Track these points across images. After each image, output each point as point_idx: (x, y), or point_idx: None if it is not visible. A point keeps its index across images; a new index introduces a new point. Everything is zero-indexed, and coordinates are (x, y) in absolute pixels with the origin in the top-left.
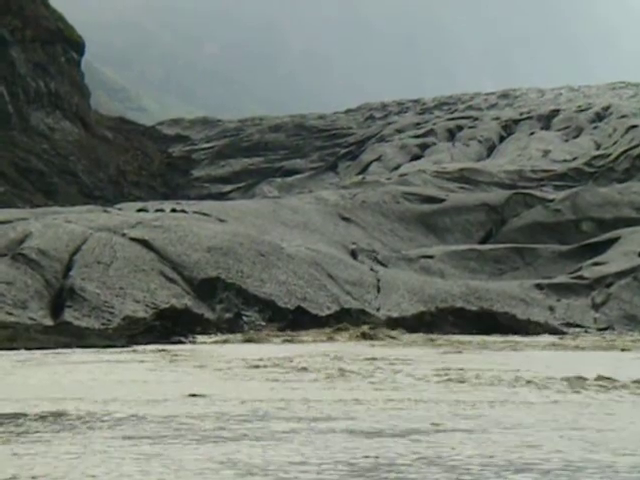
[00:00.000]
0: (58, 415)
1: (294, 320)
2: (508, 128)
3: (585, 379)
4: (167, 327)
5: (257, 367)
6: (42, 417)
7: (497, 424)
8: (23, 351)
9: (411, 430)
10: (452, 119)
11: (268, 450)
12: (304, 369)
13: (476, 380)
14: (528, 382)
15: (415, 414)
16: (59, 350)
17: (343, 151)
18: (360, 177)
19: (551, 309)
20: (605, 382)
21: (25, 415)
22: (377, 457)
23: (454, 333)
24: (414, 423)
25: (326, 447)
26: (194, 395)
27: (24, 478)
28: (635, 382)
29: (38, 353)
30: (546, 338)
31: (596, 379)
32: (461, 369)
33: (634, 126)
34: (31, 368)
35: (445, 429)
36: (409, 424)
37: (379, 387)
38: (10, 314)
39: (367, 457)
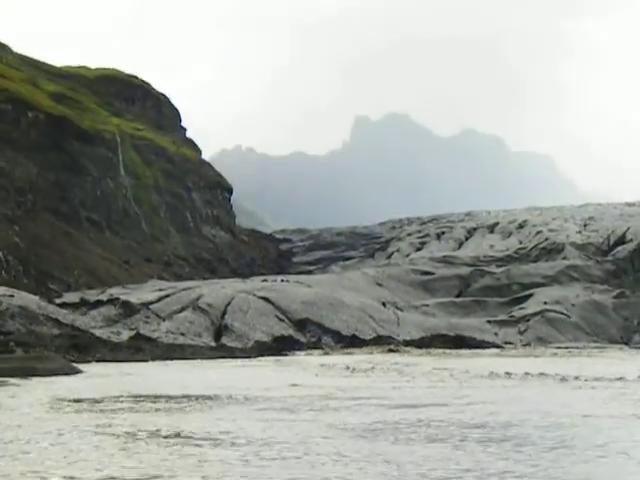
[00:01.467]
0: (216, 397)
1: (350, 342)
2: (470, 232)
3: (515, 373)
4: (279, 346)
5: (329, 368)
6: (206, 397)
7: (468, 399)
8: (198, 361)
9: (417, 404)
10: (439, 227)
11: (338, 415)
12: (355, 369)
13: (457, 374)
14: (485, 375)
15: (419, 393)
16: (219, 360)
17: (377, 246)
18: (387, 261)
19: (496, 334)
20: (525, 375)
21: (197, 396)
22: (389, 422)
23: (442, 348)
24: (419, 400)
25: (367, 414)
26: (295, 384)
27: (186, 431)
28: (541, 374)
29: (207, 362)
30: (493, 351)
31: (523, 374)
32: (446, 368)
33: (539, 231)
34: (203, 370)
35: (437, 403)
36: (418, 400)
37: (399, 377)
38: (192, 340)
39: (384, 421)
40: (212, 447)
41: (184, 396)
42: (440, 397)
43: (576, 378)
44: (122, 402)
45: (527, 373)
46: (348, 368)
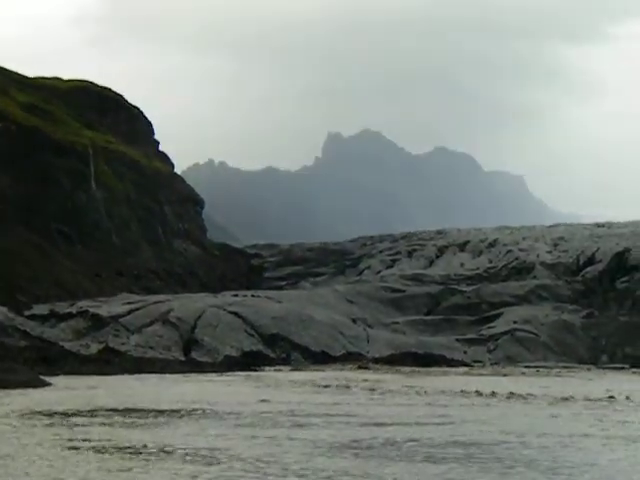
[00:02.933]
0: (186, 411)
1: (320, 358)
2: (440, 251)
3: (484, 392)
4: (249, 362)
5: (299, 384)
6: (176, 412)
7: (439, 418)
8: (168, 375)
9: (387, 422)
10: (410, 245)
11: (309, 432)
12: (325, 385)
13: (427, 392)
14: (454, 393)
15: (389, 411)
16: (188, 375)
17: (348, 263)
18: (358, 278)
19: (465, 352)
20: (492, 394)
21: (167, 410)
22: (356, 440)
23: (411, 366)
24: (390, 418)
25: (338, 430)
26: (264, 400)
27: (157, 446)
28: (511, 393)
29: (176, 376)
30: (462, 369)
31: (489, 393)
32: (416, 386)
33: (510, 251)
34: (173, 384)
35: (408, 422)
36: (389, 419)
37: (369, 395)
38: (161, 354)
39: (355, 440)
40: (185, 463)
41: (155, 411)
42: (411, 415)
43: (543, 397)
44: (94, 416)
45: (495, 392)
46: (317, 384)
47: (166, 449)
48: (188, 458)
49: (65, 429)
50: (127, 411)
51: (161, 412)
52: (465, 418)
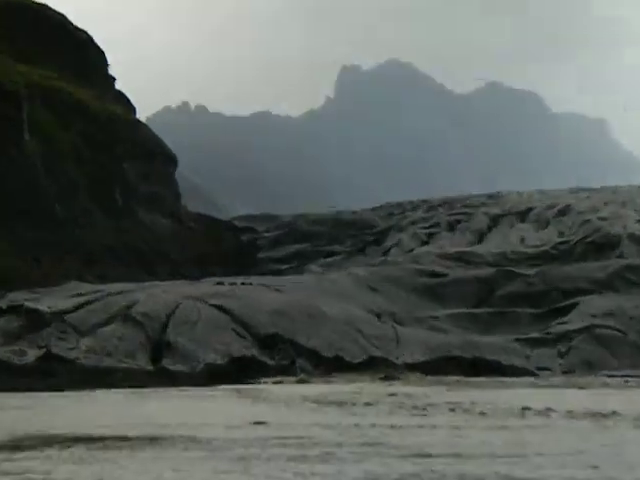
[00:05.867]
0: (158, 439)
1: (333, 366)
2: (494, 221)
3: (557, 410)
4: (238, 371)
5: (305, 400)
6: (146, 438)
7: (503, 448)
8: (132, 390)
9: (431, 453)
10: (452, 214)
11: (323, 468)
12: (341, 402)
13: (480, 411)
14: (515, 412)
15: (432, 438)
16: (159, 390)
17: (370, 239)
18: (382, 258)
19: (527, 357)
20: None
21: (134, 437)
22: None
23: (455, 375)
24: (433, 447)
25: (360, 464)
26: (260, 422)
27: None
28: (588, 413)
29: (143, 392)
30: (524, 379)
31: (565, 411)
32: (459, 402)
33: (587, 220)
34: (139, 402)
35: (459, 453)
36: (432, 448)
37: (401, 415)
38: (122, 361)
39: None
40: None
41: (111, 438)
42: (464, 443)
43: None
44: (36, 447)
45: (571, 412)
46: (331, 401)
47: None
48: None
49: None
50: (82, 439)
51: (121, 439)
52: (543, 448)
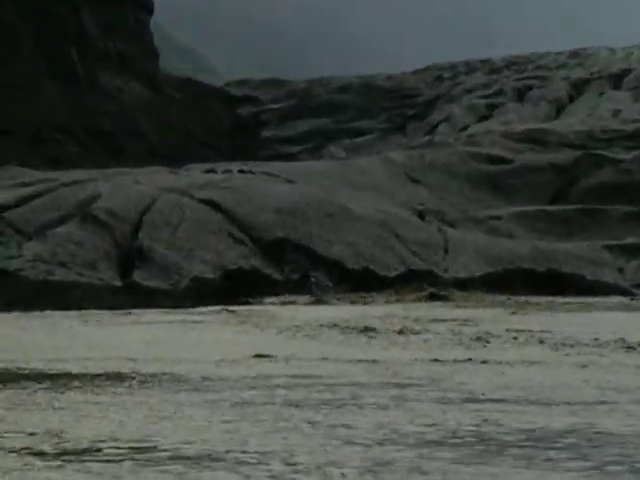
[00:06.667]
0: (131, 376)
1: (362, 282)
2: (578, 88)
3: None
4: (235, 288)
5: (324, 327)
6: (115, 376)
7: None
8: (93, 311)
9: (504, 398)
10: (521, 79)
11: (355, 418)
12: (372, 329)
13: (556, 341)
14: (611, 345)
15: (500, 377)
16: (131, 312)
17: (411, 112)
18: (427, 138)
19: (620, 270)
20: None
21: (97, 375)
22: (460, 431)
23: (522, 294)
24: (508, 389)
25: (408, 413)
26: (263, 355)
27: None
28: None
29: (109, 315)
30: (616, 299)
31: None
32: (531, 330)
33: None
34: (104, 328)
35: (538, 400)
36: (503, 392)
37: (454, 346)
38: (80, 275)
39: (456, 432)
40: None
41: (62, 376)
42: (533, 387)
43: None
44: None
45: None
46: (359, 327)
47: (98, 446)
48: (138, 460)
49: None
50: (29, 376)
51: (73, 378)
52: None
